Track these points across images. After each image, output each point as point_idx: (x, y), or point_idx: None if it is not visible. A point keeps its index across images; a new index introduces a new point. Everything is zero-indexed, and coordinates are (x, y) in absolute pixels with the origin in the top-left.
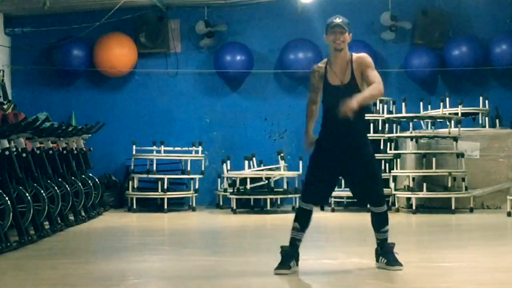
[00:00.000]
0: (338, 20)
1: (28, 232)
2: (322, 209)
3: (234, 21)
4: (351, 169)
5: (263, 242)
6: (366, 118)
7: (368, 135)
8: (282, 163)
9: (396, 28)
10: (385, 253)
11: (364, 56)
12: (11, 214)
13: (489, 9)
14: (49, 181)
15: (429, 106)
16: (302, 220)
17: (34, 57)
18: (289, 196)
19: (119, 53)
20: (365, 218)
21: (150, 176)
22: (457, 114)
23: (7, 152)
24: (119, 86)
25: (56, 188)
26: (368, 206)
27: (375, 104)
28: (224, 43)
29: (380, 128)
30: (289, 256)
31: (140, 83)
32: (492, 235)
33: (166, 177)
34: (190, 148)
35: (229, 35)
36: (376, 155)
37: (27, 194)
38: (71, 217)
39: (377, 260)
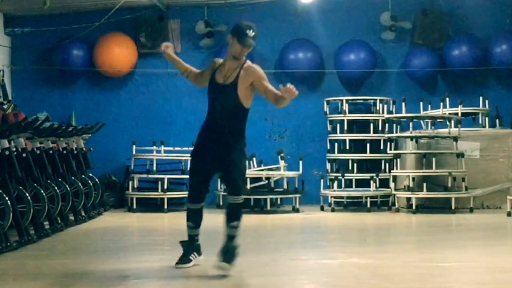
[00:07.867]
0: (253, 33)
1: (28, 232)
2: (322, 209)
3: (234, 21)
4: (221, 164)
5: (263, 242)
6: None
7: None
8: (282, 163)
9: (396, 28)
10: (226, 250)
11: (256, 67)
12: (11, 214)
13: (489, 9)
14: (49, 181)
15: (429, 106)
16: (196, 218)
17: (34, 57)
18: (289, 196)
19: (119, 53)
20: (365, 218)
21: (150, 176)
22: (457, 114)
23: (7, 152)
24: (119, 86)
25: (56, 188)
26: (228, 196)
27: (375, 104)
28: (224, 43)
29: (380, 128)
30: (189, 250)
31: (140, 83)
32: (492, 235)
33: (166, 177)
34: (190, 148)
35: None
36: (376, 155)
37: (27, 194)
38: (71, 217)
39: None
